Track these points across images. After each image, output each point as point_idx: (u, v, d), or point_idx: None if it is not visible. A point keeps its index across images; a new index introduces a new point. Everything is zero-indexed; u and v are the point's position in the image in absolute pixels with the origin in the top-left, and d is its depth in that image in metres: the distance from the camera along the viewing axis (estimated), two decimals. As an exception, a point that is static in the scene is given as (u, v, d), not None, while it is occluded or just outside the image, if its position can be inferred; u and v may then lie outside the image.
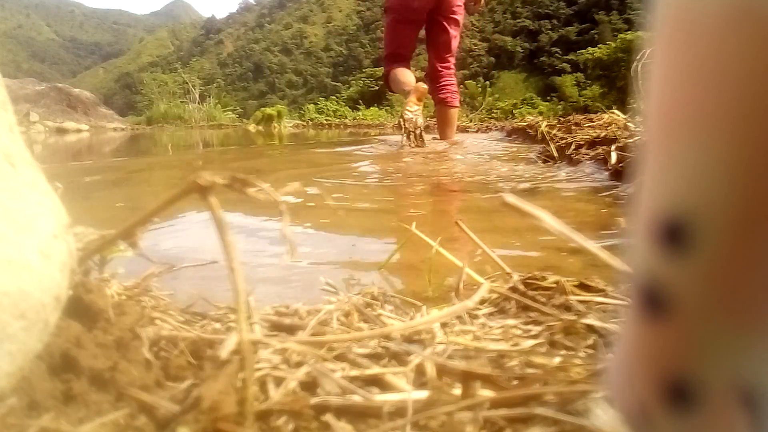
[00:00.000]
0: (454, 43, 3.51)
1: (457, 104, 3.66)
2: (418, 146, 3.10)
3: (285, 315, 0.62)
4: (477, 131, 5.47)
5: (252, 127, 8.68)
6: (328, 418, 0.40)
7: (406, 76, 3.32)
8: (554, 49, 53.70)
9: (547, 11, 57.41)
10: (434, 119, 4.10)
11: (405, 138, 3.13)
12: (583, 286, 0.65)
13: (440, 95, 3.55)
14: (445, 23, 3.42)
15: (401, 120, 3.15)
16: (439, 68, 3.52)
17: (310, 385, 0.45)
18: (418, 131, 3.15)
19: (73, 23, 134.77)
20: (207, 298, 0.68)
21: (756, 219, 0.18)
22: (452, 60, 3.55)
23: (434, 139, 3.67)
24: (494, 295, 0.65)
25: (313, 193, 1.49)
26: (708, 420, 0.20)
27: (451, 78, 3.57)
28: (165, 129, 9.54)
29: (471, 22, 62.74)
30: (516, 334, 0.55)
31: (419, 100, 3.16)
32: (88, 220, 0.78)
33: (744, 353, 0.19)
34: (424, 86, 3.23)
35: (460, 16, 3.49)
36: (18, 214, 0.42)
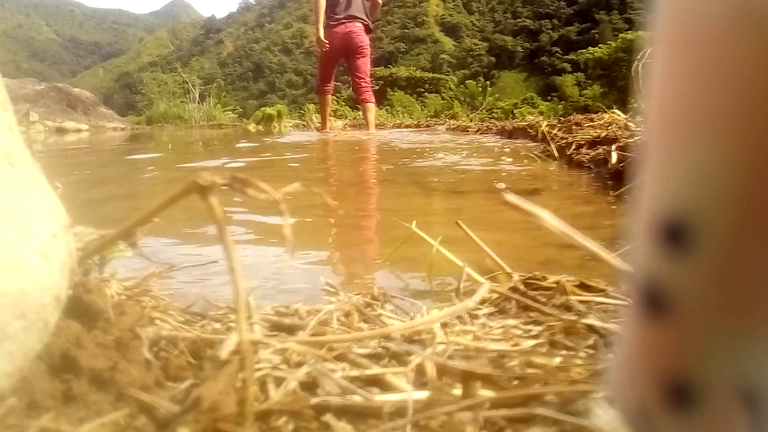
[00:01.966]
0: (363, 63, 5.38)
1: (373, 101, 5.53)
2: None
3: (285, 315, 0.62)
4: (477, 131, 5.48)
5: (252, 127, 8.66)
6: (329, 418, 0.40)
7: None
8: (555, 48, 53.69)
9: (547, 11, 57.41)
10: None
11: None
12: (584, 286, 0.65)
13: (361, 97, 5.46)
14: (356, 56, 5.34)
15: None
16: (357, 82, 5.43)
17: (310, 385, 0.45)
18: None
19: (72, 23, 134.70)
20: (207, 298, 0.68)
21: (756, 219, 0.18)
22: (365, 75, 5.43)
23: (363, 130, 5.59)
24: (494, 295, 0.65)
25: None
26: (709, 420, 0.20)
27: (366, 85, 5.43)
28: (165, 128, 9.54)
29: (471, 21, 62.76)
30: (516, 334, 0.55)
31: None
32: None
33: (745, 354, 0.19)
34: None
35: (366, 46, 5.35)
36: (18, 214, 0.42)
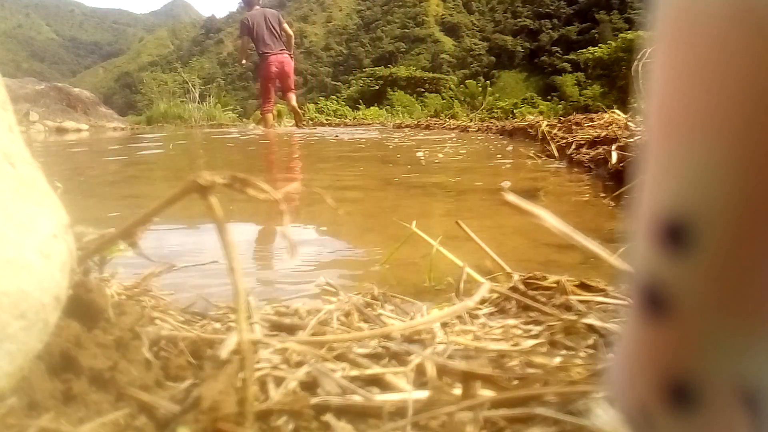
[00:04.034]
0: (291, 83, 7.74)
1: (299, 112, 8.26)
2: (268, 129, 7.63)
3: (285, 315, 0.62)
4: (477, 130, 5.49)
5: (252, 127, 8.74)
6: (329, 418, 0.40)
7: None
8: (555, 48, 53.62)
9: (547, 10, 57.35)
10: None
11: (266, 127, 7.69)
12: (584, 286, 0.65)
13: (291, 107, 8.03)
14: (287, 79, 7.63)
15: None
16: (289, 97, 7.84)
17: (310, 385, 0.45)
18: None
19: (72, 23, 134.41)
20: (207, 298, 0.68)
21: (756, 219, 0.18)
22: (293, 93, 7.91)
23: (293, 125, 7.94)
24: (495, 295, 0.65)
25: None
26: (709, 420, 0.20)
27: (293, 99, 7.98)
28: (165, 128, 9.56)
29: (471, 21, 62.73)
30: (516, 333, 0.55)
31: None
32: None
33: (745, 354, 0.19)
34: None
35: (293, 71, 7.73)
36: (18, 214, 0.42)
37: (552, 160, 2.59)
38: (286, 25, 7.63)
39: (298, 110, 8.20)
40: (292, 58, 7.80)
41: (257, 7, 7.63)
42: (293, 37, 7.87)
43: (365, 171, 2.68)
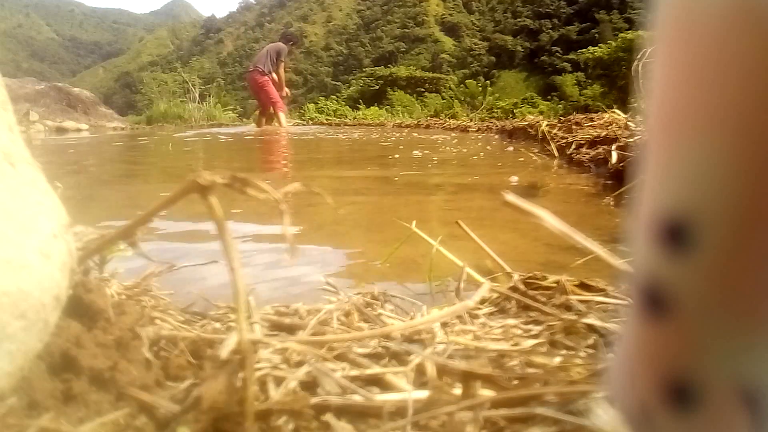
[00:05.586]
0: (264, 94, 8.86)
1: (283, 113, 8.99)
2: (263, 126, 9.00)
3: (285, 314, 0.62)
4: (477, 130, 5.49)
5: (252, 127, 8.84)
6: (329, 417, 0.40)
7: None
8: (555, 48, 53.59)
9: (547, 10, 57.32)
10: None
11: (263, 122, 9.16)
12: (584, 286, 0.65)
13: (276, 113, 8.86)
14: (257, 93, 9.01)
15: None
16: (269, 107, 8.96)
17: (310, 385, 0.45)
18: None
19: (72, 22, 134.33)
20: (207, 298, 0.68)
21: (757, 219, 0.18)
22: (274, 101, 8.83)
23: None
24: (495, 295, 0.65)
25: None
26: (709, 420, 0.20)
27: (279, 107, 8.88)
28: (165, 128, 9.58)
29: (471, 21, 62.75)
30: (516, 333, 0.55)
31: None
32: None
33: (745, 353, 0.19)
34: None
35: (261, 84, 8.74)
36: (18, 214, 0.42)
37: (552, 159, 2.59)
38: (281, 65, 8.84)
39: (261, 123, 9.00)
40: (263, 75, 8.73)
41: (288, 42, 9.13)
42: (281, 78, 8.98)
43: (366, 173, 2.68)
